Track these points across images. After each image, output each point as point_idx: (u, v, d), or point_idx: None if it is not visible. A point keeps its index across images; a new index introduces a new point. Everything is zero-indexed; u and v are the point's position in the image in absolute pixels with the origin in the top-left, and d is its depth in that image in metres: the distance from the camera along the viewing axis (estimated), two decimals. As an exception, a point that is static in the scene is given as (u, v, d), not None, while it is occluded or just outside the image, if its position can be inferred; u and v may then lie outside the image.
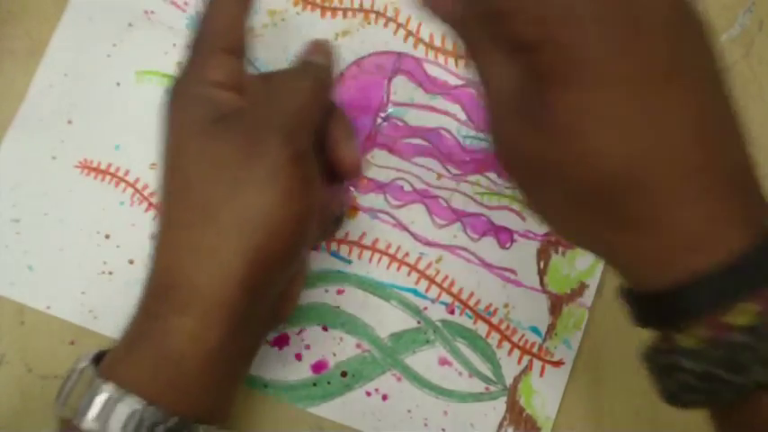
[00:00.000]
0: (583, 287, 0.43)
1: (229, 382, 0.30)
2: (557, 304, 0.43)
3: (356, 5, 0.45)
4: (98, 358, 0.30)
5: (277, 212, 0.28)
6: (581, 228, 0.26)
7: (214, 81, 0.30)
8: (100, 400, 0.27)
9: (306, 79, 0.31)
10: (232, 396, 0.31)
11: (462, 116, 0.44)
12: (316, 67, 0.32)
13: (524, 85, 0.25)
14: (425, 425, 0.42)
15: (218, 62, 0.31)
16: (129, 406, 0.27)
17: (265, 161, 0.28)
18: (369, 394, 0.42)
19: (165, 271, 0.30)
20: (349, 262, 0.43)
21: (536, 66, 0.24)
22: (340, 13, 0.45)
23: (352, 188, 0.44)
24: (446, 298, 0.43)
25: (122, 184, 0.43)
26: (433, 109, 0.44)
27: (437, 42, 0.45)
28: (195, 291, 0.28)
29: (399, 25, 0.45)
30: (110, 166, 0.43)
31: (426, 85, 0.44)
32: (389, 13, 0.45)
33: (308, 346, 0.42)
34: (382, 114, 0.44)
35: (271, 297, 0.31)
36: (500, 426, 0.42)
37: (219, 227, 0.28)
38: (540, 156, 0.25)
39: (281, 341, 0.42)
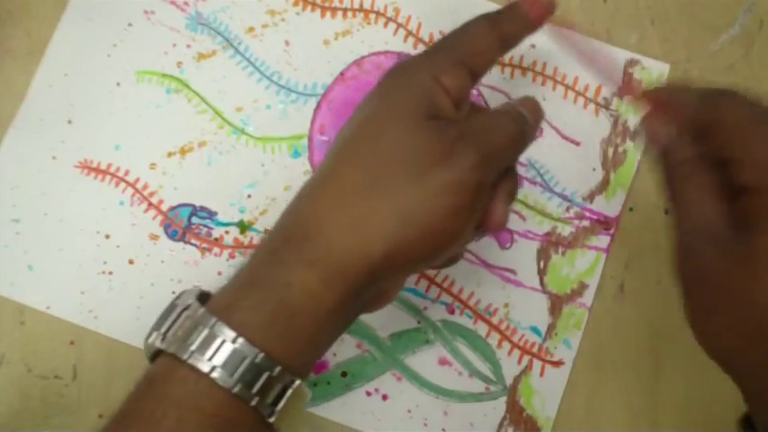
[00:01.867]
0: (583, 287, 0.43)
1: (324, 346, 0.31)
2: (557, 304, 0.43)
3: (356, 5, 0.45)
4: (200, 297, 0.31)
5: (437, 221, 0.30)
6: (731, 344, 0.29)
7: (444, 85, 0.31)
8: (217, 343, 0.28)
9: (514, 125, 0.33)
10: (318, 358, 0.32)
11: (462, 116, 0.44)
12: (524, 119, 0.33)
13: (729, 223, 0.29)
14: (425, 425, 0.42)
15: (457, 73, 0.32)
16: (243, 352, 0.28)
17: (453, 172, 0.29)
18: (369, 394, 0.42)
19: (307, 220, 0.30)
20: (349, 262, 0.43)
21: (751, 209, 0.28)
22: (340, 13, 0.45)
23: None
24: (446, 298, 0.43)
25: (122, 184, 0.43)
26: (433, 109, 0.44)
27: (437, 42, 0.45)
28: (329, 251, 0.29)
29: (399, 25, 0.45)
30: (110, 166, 0.44)
31: (426, 85, 0.44)
32: (389, 13, 0.45)
33: (308, 346, 0.42)
34: (382, 114, 0.44)
35: (381, 286, 0.32)
36: (500, 426, 0.42)
37: (381, 205, 0.29)
38: (729, 284, 0.28)
39: (281, 341, 0.42)
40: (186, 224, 0.43)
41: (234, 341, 0.28)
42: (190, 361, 0.28)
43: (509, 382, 0.42)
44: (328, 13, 0.45)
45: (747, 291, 0.27)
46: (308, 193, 0.31)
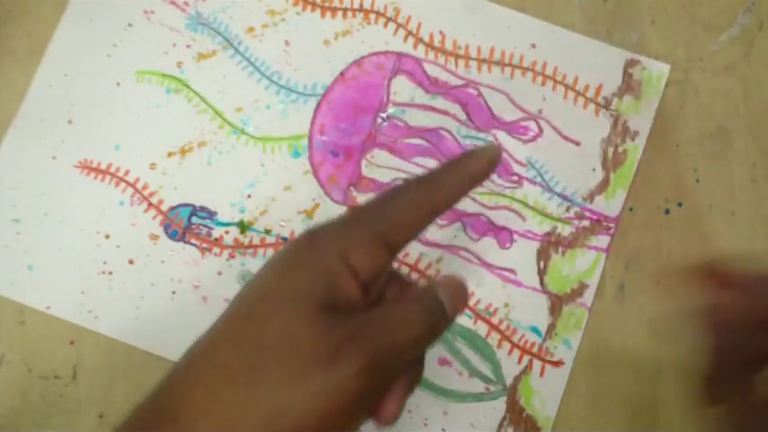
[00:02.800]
0: (583, 287, 0.43)
1: None
2: (557, 304, 0.43)
3: (356, 5, 0.45)
4: None
5: (312, 423, 0.26)
6: None
7: (353, 266, 0.28)
8: None
9: (423, 320, 0.28)
10: None
11: (462, 116, 0.44)
12: (440, 310, 0.29)
13: None
14: (425, 425, 0.42)
15: (372, 251, 0.28)
16: None
17: (332, 378, 0.26)
18: (369, 394, 0.42)
19: (177, 397, 0.28)
20: (349, 262, 0.43)
21: None
22: (340, 13, 0.45)
23: (352, 187, 0.44)
24: (446, 298, 0.43)
25: (122, 184, 0.43)
26: (432, 109, 0.44)
27: (437, 42, 0.45)
28: None
29: (399, 25, 0.45)
30: (110, 166, 0.44)
31: (426, 85, 0.44)
32: (389, 13, 0.45)
33: (308, 346, 0.42)
34: (382, 114, 0.44)
35: None
36: (500, 426, 0.42)
37: (255, 397, 0.27)
38: None
39: (281, 341, 0.42)
40: (186, 224, 0.43)
41: None
42: None
43: (509, 382, 0.42)
44: (328, 13, 0.45)
45: None
46: (185, 365, 0.28)
